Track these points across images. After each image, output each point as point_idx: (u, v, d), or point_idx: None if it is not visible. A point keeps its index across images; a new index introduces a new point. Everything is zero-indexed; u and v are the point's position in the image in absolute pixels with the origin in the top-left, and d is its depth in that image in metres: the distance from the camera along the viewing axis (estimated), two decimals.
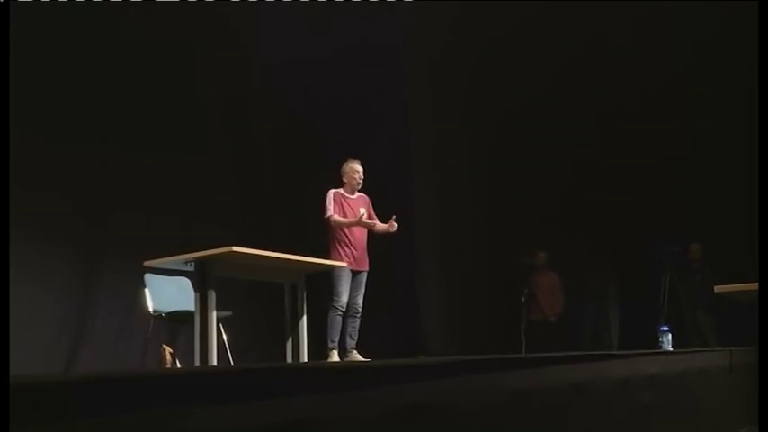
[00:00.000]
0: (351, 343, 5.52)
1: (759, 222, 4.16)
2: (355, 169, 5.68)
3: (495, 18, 8.09)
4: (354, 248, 5.57)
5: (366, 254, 5.66)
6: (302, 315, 5.09)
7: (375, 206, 5.84)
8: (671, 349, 6.69)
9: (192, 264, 4.56)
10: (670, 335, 7.06)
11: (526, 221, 8.41)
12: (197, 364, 4.44)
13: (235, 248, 4.35)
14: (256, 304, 6.58)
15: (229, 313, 4.98)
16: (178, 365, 5.07)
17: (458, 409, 1.39)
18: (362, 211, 5.66)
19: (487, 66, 8.37)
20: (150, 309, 5.05)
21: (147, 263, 4.78)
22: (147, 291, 5.10)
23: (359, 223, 5.54)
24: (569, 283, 8.32)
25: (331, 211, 5.54)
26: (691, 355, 3.06)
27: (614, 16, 7.90)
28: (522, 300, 7.95)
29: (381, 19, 8.09)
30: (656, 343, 7.00)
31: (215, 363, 4.47)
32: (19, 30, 5.81)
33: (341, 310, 5.44)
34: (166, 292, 5.15)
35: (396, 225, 5.65)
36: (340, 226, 5.54)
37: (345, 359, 5.43)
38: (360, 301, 5.58)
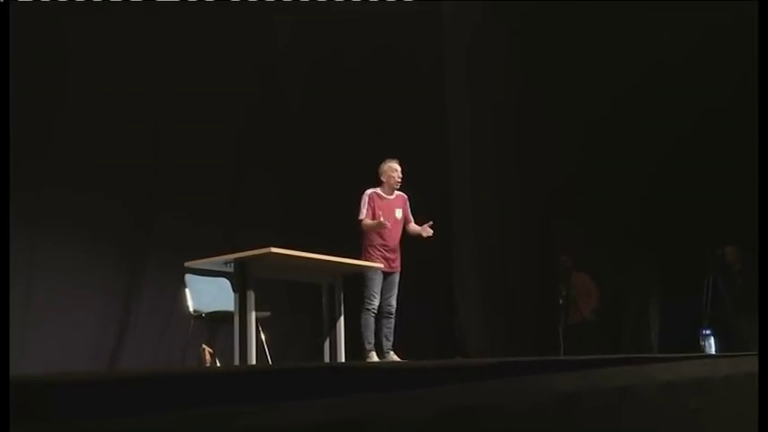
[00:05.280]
0: (387, 344, 5.48)
1: (759, 225, 4.06)
2: (394, 168, 5.60)
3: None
4: (388, 250, 5.53)
5: (399, 255, 5.62)
6: (339, 316, 5.12)
7: (412, 206, 5.81)
8: (713, 353, 6.59)
9: (232, 264, 4.61)
10: (712, 338, 6.94)
11: (565, 222, 8.33)
12: (236, 363, 4.49)
13: (273, 250, 4.40)
14: (295, 305, 6.60)
15: (268, 314, 5.02)
16: (218, 365, 5.12)
17: (507, 411, 1.38)
18: (398, 212, 5.64)
19: (522, 64, 8.28)
20: (190, 309, 5.11)
21: (187, 263, 4.84)
22: (187, 291, 5.16)
23: (382, 225, 5.39)
24: (610, 286, 8.21)
25: (363, 214, 5.49)
26: (737, 359, 3.00)
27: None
28: (560, 302, 7.90)
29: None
30: (698, 346, 6.89)
31: (254, 362, 4.51)
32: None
33: (374, 312, 5.40)
34: (206, 293, 5.20)
35: (430, 231, 5.62)
36: (370, 230, 5.49)
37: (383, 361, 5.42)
38: (393, 302, 5.52)
